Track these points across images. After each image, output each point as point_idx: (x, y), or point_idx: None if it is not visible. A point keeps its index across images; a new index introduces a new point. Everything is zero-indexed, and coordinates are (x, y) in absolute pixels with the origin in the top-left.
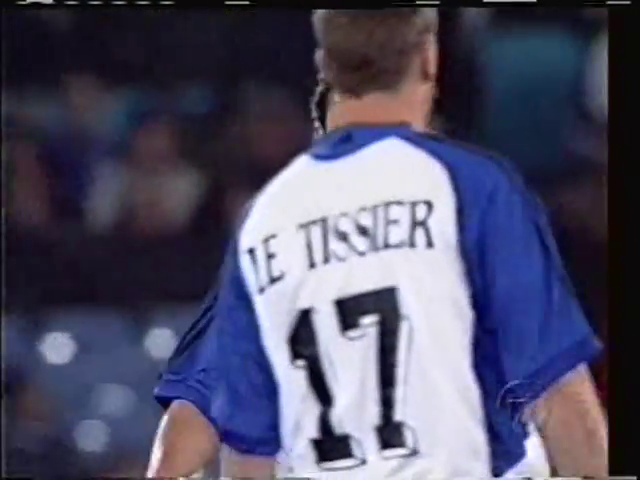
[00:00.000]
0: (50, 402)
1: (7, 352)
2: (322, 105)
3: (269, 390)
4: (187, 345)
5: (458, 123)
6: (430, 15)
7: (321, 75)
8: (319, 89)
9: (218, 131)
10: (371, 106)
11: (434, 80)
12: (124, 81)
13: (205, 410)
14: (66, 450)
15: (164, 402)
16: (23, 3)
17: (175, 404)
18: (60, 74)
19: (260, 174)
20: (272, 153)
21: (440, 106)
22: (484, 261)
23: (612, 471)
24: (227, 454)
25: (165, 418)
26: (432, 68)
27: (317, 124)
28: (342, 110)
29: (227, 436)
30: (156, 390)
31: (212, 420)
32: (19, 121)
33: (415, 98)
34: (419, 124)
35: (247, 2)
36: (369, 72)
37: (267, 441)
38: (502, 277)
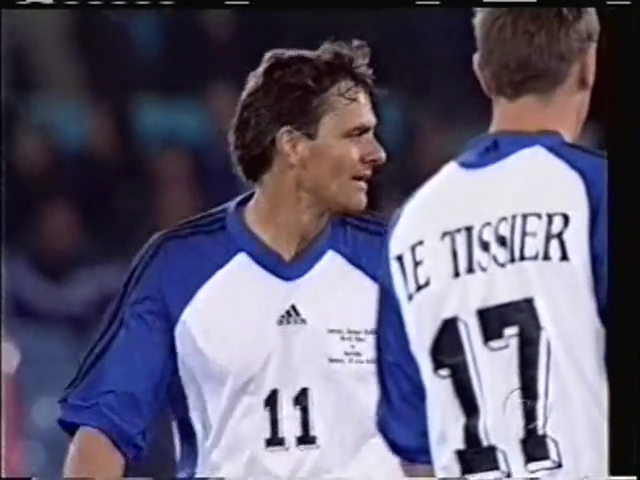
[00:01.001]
0: None
1: None
2: (241, 129)
3: (419, 399)
4: (89, 368)
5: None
6: (593, 23)
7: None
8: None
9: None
10: (523, 111)
11: (590, 88)
12: None
13: (112, 436)
14: None
15: (68, 427)
16: (23, 3)
17: (82, 434)
18: (206, 81)
19: (413, 183)
20: (426, 162)
21: (596, 115)
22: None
23: (612, 471)
24: (400, 462)
25: (73, 448)
26: (591, 76)
27: (233, 149)
28: (494, 115)
29: (391, 446)
30: (61, 414)
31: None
32: (165, 128)
33: (569, 106)
34: (569, 133)
35: (247, 2)
36: (526, 75)
37: (427, 450)
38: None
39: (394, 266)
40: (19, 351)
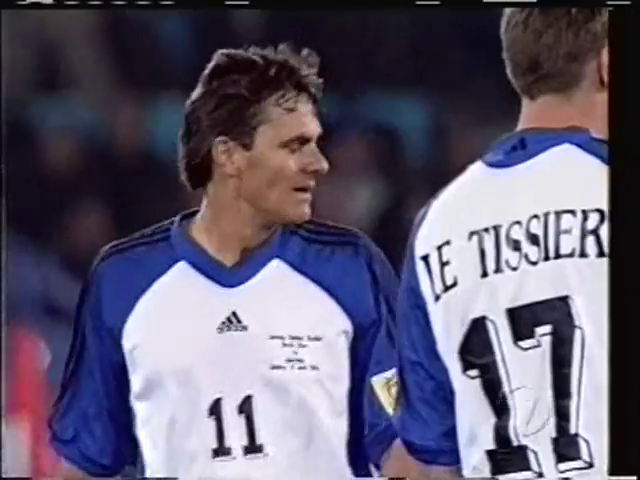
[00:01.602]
0: None
1: None
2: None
3: (440, 399)
4: (67, 386)
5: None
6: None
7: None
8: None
9: (402, 142)
10: (545, 109)
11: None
12: None
13: (92, 471)
14: None
15: None
16: (23, 3)
17: (64, 467)
18: None
19: (442, 182)
20: (456, 161)
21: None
22: None
23: (612, 471)
24: (410, 461)
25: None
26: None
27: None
28: (522, 113)
29: (408, 447)
30: (49, 439)
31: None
32: None
33: (591, 103)
34: (597, 129)
35: (247, 2)
36: (538, 75)
37: (446, 452)
38: None
39: (420, 266)
40: (49, 351)
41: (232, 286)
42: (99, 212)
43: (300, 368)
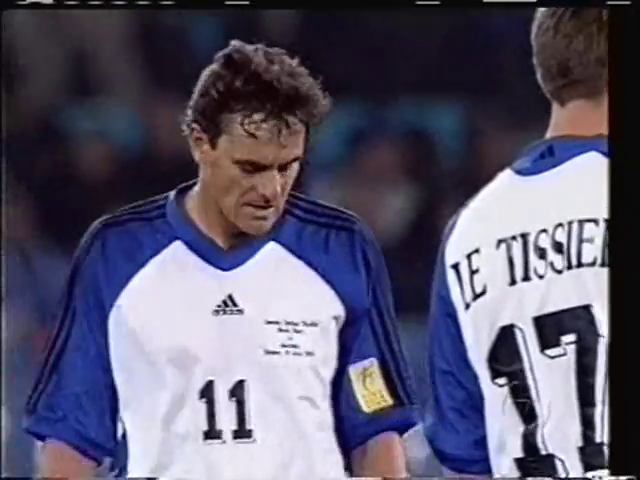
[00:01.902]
0: None
1: None
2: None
3: (470, 408)
4: (52, 369)
5: None
6: None
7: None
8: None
9: (432, 147)
10: (574, 115)
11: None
12: (345, 95)
13: (82, 447)
14: None
15: (38, 436)
16: (23, 3)
17: (52, 448)
18: None
19: (477, 187)
20: (492, 165)
21: None
22: None
23: (612, 471)
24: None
25: (44, 462)
26: None
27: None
28: (551, 120)
29: (439, 456)
30: (31, 424)
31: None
32: None
33: None
34: None
35: (247, 2)
36: (569, 79)
37: (477, 461)
38: None
39: (450, 274)
40: None
41: (227, 269)
42: None
43: (295, 354)
